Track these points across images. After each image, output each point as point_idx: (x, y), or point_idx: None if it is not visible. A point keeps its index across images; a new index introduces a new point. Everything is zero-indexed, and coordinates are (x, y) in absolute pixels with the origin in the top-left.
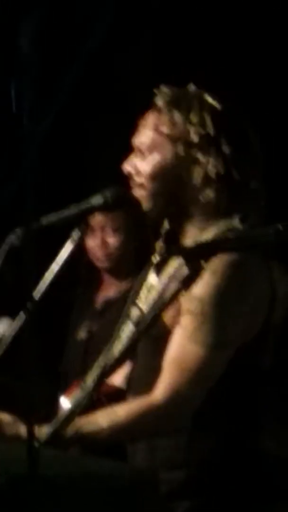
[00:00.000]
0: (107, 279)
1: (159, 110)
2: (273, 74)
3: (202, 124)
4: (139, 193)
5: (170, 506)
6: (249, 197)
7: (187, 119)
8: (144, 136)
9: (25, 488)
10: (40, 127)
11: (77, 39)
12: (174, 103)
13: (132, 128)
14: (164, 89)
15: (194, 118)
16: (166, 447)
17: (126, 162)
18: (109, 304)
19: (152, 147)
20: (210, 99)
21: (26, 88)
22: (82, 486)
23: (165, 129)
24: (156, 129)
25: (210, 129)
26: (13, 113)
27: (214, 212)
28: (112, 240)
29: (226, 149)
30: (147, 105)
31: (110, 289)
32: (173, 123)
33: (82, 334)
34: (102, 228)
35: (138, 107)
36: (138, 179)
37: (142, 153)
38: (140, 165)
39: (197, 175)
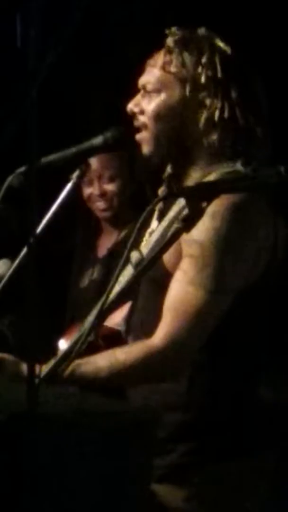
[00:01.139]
0: (106, 227)
1: (169, 50)
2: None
3: (212, 66)
4: (142, 135)
5: (168, 448)
6: (254, 144)
7: (197, 61)
8: (151, 75)
9: (25, 425)
10: (43, 64)
11: None
12: (185, 44)
13: (135, 67)
14: (175, 30)
15: (204, 60)
16: (166, 391)
17: (130, 102)
18: (110, 251)
19: (159, 87)
20: (221, 43)
21: (31, 24)
22: (81, 424)
23: (173, 68)
24: (164, 69)
25: (219, 72)
26: (18, 49)
27: (218, 157)
28: (110, 188)
29: (233, 93)
30: (152, 45)
31: (110, 237)
32: (182, 64)
33: (84, 281)
34: (99, 177)
35: (143, 46)
36: (141, 119)
37: (148, 93)
38: (145, 104)
39: (202, 118)
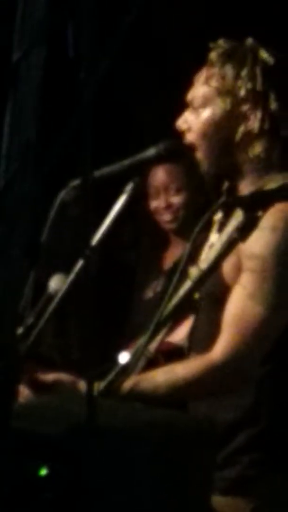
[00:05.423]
0: (174, 240)
1: (211, 64)
2: None
3: (252, 78)
4: (197, 153)
5: (234, 460)
6: None
7: (237, 73)
8: (196, 90)
9: (84, 438)
10: (96, 76)
11: None
12: (227, 57)
13: (186, 81)
14: (220, 42)
15: (244, 72)
16: (232, 406)
17: (180, 119)
18: (176, 264)
19: (204, 102)
20: (264, 54)
21: (83, 34)
22: (140, 436)
23: (214, 83)
24: (207, 83)
25: (259, 84)
26: (70, 59)
27: (266, 168)
28: (177, 200)
29: (274, 105)
30: (203, 58)
31: (177, 249)
32: (222, 77)
33: (149, 294)
34: (166, 189)
35: (193, 59)
36: (189, 137)
37: (194, 109)
38: (192, 121)
39: (241, 131)
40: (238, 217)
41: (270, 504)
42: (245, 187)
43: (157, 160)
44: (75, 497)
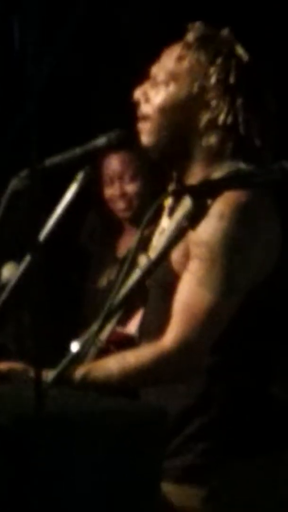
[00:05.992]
0: (128, 228)
1: (187, 45)
2: None
3: (225, 70)
4: (143, 126)
5: (185, 449)
6: (253, 154)
7: (211, 61)
8: (163, 66)
9: (32, 427)
10: (44, 68)
11: None
12: (204, 41)
13: (137, 71)
14: (199, 25)
15: (218, 61)
16: (183, 394)
17: (138, 89)
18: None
19: (170, 78)
20: (240, 50)
21: (29, 27)
22: (89, 423)
23: (186, 63)
24: (179, 62)
25: (231, 77)
26: (16, 53)
27: (218, 158)
28: (131, 188)
29: (239, 101)
30: (155, 48)
31: (132, 238)
32: (197, 60)
33: (103, 282)
34: (120, 177)
35: (144, 50)
36: (145, 108)
37: (156, 82)
38: (152, 94)
39: (203, 119)
40: (186, 204)
41: (222, 492)
42: (194, 174)
43: (108, 148)
44: (23, 488)
